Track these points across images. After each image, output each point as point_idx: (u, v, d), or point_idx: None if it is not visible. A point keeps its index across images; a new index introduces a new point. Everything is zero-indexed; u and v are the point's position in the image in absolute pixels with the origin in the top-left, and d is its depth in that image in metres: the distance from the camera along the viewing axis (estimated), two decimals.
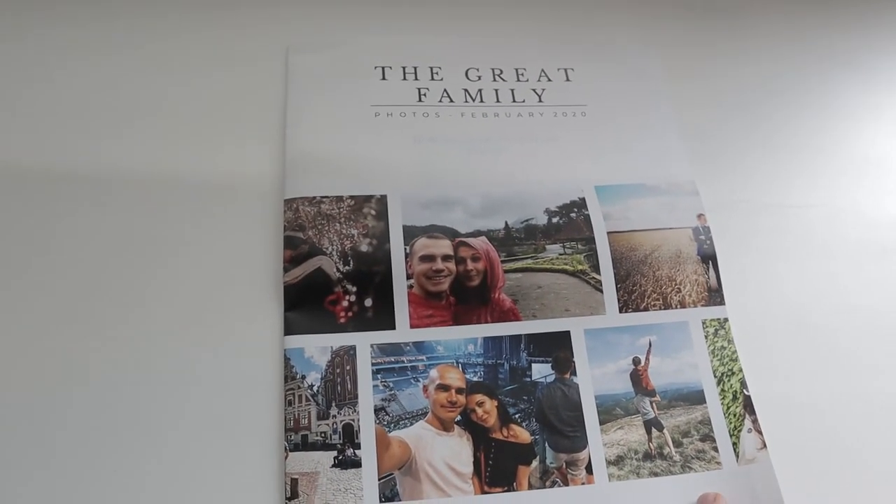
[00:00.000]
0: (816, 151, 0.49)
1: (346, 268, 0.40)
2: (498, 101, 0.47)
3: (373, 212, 0.42)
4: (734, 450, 0.38)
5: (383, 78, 0.47)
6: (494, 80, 0.48)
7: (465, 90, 0.47)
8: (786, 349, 0.42)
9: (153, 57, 0.47)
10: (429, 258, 0.40)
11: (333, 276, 0.40)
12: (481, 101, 0.47)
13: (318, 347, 0.39)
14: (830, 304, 0.43)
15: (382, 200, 0.42)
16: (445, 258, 0.41)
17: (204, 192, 0.42)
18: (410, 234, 0.41)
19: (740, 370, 0.40)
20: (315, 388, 0.38)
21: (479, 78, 0.48)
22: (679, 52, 0.51)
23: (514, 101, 0.47)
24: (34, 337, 0.38)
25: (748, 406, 0.39)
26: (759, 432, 0.39)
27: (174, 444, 0.36)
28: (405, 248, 0.41)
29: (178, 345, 0.38)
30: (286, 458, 0.36)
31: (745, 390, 0.40)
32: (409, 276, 0.40)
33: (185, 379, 0.37)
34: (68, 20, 0.48)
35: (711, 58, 0.52)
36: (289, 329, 0.39)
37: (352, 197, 0.42)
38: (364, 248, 0.41)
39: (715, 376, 0.40)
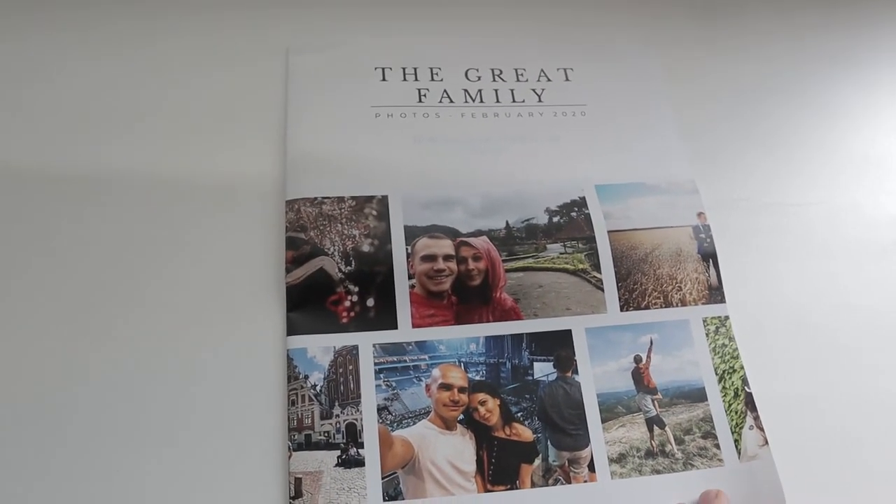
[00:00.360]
0: (816, 150, 0.49)
1: (348, 268, 0.40)
2: (498, 101, 0.47)
3: (374, 212, 0.42)
4: (736, 447, 0.38)
5: (383, 79, 0.47)
6: (494, 80, 0.48)
7: (465, 90, 0.47)
8: (786, 347, 0.42)
9: (153, 58, 0.47)
10: (430, 258, 0.40)
11: (335, 276, 0.40)
12: (481, 101, 0.47)
13: (320, 347, 0.39)
14: (830, 303, 0.43)
15: (383, 201, 0.42)
16: (447, 258, 0.41)
17: (205, 193, 0.42)
18: (412, 234, 0.41)
19: (742, 367, 0.40)
20: (318, 388, 0.38)
21: (479, 78, 0.48)
22: (678, 51, 0.51)
23: (513, 101, 0.47)
24: (37, 338, 0.38)
25: (750, 403, 0.39)
26: (761, 429, 0.39)
27: (178, 445, 0.36)
28: (406, 248, 0.41)
29: (181, 346, 0.38)
30: (290, 457, 0.36)
31: (746, 387, 0.40)
32: (410, 276, 0.40)
33: (188, 379, 0.37)
34: (68, 22, 0.48)
35: (710, 57, 0.52)
36: (291, 329, 0.39)
37: (353, 197, 0.42)
38: (365, 248, 0.41)
39: (716, 374, 0.40)
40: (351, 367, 0.38)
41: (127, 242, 0.41)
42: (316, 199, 0.42)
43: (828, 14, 0.55)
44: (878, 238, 0.46)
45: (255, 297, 0.40)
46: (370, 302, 0.40)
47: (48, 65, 0.46)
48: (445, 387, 0.38)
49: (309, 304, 0.39)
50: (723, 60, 0.52)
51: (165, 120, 0.45)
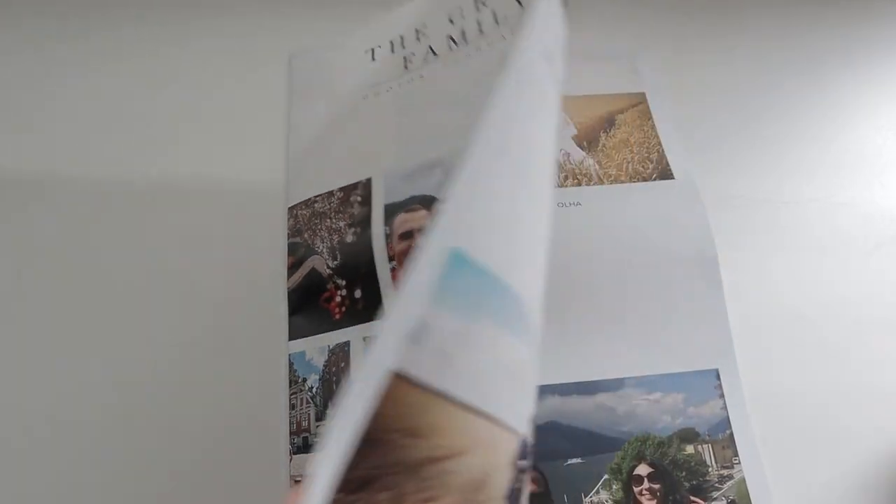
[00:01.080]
0: (810, 147, 0.48)
1: (335, 262, 0.39)
2: (482, 32, 0.40)
3: (358, 198, 0.39)
4: None
5: (373, 59, 0.44)
6: (478, 10, 0.41)
7: (450, 36, 0.42)
8: (780, 343, 0.41)
9: (155, 65, 0.48)
10: (408, 234, 0.36)
11: (325, 273, 0.39)
12: (465, 42, 0.41)
13: (317, 348, 0.38)
14: (825, 299, 0.43)
15: (368, 185, 0.39)
16: (423, 231, 0.36)
17: (207, 200, 0.44)
18: (391, 212, 0.38)
19: None
20: (314, 390, 0.37)
21: (464, 17, 0.42)
22: (672, 47, 0.50)
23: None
24: (38, 342, 0.40)
25: None
26: None
27: (179, 447, 0.38)
28: (385, 229, 0.37)
29: (183, 351, 0.40)
30: (290, 460, 0.36)
31: None
32: (391, 259, 0.37)
33: (190, 384, 0.39)
34: (72, 29, 0.50)
35: (704, 54, 0.51)
36: (292, 334, 0.39)
37: (340, 189, 0.40)
38: (349, 238, 0.39)
39: None
40: (343, 365, 0.37)
41: (129, 249, 0.42)
42: (309, 199, 0.41)
43: (823, 10, 0.54)
44: (873, 234, 0.45)
45: (258, 302, 0.41)
46: (357, 293, 0.37)
47: (50, 71, 0.49)
48: None
49: (306, 305, 0.39)
50: (716, 58, 0.51)
51: (166, 127, 0.46)
